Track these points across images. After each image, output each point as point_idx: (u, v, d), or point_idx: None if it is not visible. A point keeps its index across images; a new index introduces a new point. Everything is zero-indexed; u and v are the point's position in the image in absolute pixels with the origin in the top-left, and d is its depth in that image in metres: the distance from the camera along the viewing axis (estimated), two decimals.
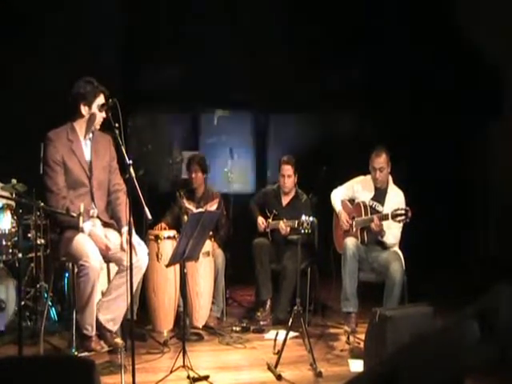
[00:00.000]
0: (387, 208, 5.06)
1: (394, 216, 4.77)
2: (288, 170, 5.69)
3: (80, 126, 4.33)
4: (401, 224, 4.98)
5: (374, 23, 7.11)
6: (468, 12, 6.48)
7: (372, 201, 5.19)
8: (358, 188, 5.33)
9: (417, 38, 6.94)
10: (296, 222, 5.00)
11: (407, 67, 7.10)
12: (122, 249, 4.24)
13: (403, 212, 4.72)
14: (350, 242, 5.02)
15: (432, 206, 4.92)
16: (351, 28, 7.20)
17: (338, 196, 5.42)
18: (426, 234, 6.34)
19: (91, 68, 5.39)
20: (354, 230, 5.18)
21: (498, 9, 6.16)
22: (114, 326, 4.31)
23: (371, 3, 7.11)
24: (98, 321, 4.26)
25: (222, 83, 7.26)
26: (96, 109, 4.25)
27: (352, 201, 5.36)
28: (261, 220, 5.81)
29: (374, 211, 5.10)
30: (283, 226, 5.54)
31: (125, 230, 4.19)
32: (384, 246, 5.11)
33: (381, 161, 5.09)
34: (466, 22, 6.48)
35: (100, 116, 4.27)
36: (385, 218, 4.88)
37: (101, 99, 4.26)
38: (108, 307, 4.28)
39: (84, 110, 4.26)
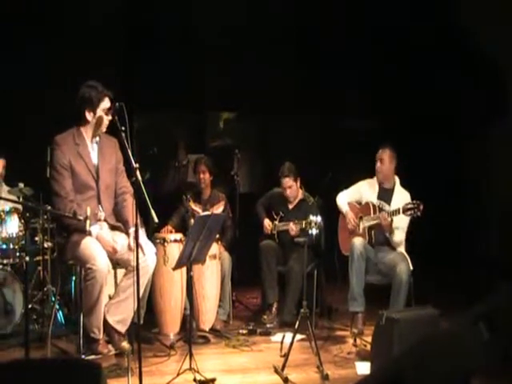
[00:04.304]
0: (394, 208, 5.08)
1: (405, 210, 4.77)
2: (287, 182, 5.69)
3: (86, 130, 4.35)
4: (406, 223, 5.02)
5: (374, 22, 7.11)
6: (470, 13, 6.46)
7: (379, 200, 5.21)
8: (365, 189, 5.36)
9: (416, 36, 6.94)
10: (304, 222, 5.02)
11: (407, 67, 7.12)
12: (130, 249, 4.25)
13: (414, 206, 4.71)
14: (358, 242, 5.02)
15: (433, 207, 4.91)
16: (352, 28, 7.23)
17: (345, 198, 5.44)
18: (427, 236, 6.32)
19: (94, 70, 5.41)
20: (361, 229, 5.20)
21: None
22: (123, 328, 4.32)
23: (372, 2, 7.12)
24: (106, 323, 4.27)
25: (227, 85, 7.27)
26: (102, 112, 4.27)
27: (359, 203, 5.38)
28: (267, 222, 5.83)
29: (381, 211, 5.10)
30: (293, 226, 5.54)
31: (132, 230, 4.20)
32: (391, 247, 5.11)
33: (382, 153, 5.21)
34: (469, 23, 6.47)
35: (106, 119, 4.28)
36: (396, 212, 4.88)
37: (106, 103, 4.28)
38: (117, 309, 4.29)
39: (89, 115, 4.28)
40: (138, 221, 3.72)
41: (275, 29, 7.22)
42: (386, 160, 5.21)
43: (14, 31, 6.33)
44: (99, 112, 4.27)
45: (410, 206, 4.75)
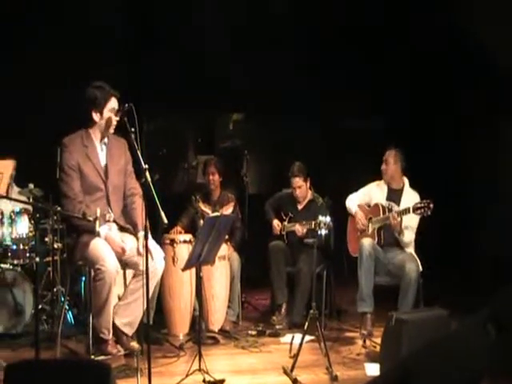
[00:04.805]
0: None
1: (416, 209, 4.76)
2: (297, 182, 5.71)
3: (94, 131, 4.36)
4: (416, 223, 5.02)
5: (374, 23, 7.09)
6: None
7: (388, 201, 5.22)
8: (374, 191, 5.38)
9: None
10: (313, 222, 5.02)
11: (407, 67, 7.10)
12: (139, 253, 4.26)
13: (425, 205, 4.71)
14: (367, 242, 5.02)
15: (441, 208, 4.91)
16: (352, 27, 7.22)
17: (355, 200, 5.46)
18: (435, 236, 6.29)
19: (94, 70, 5.42)
20: (371, 230, 5.20)
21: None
22: (130, 330, 4.33)
23: (372, 2, 7.10)
24: (114, 325, 4.29)
25: (236, 86, 7.27)
26: (111, 113, 4.27)
27: (368, 205, 5.38)
28: (276, 222, 5.83)
29: (391, 212, 5.10)
30: (299, 228, 5.54)
31: (141, 234, 4.20)
32: (400, 247, 5.11)
33: (388, 154, 5.25)
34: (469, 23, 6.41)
35: (114, 120, 4.29)
36: (406, 212, 4.88)
37: (113, 103, 4.28)
38: (124, 311, 4.30)
39: (96, 116, 4.28)
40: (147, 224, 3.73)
41: (275, 29, 7.20)
42: (390, 161, 5.23)
43: (14, 31, 6.33)
44: (106, 113, 4.27)
45: (420, 205, 4.74)
